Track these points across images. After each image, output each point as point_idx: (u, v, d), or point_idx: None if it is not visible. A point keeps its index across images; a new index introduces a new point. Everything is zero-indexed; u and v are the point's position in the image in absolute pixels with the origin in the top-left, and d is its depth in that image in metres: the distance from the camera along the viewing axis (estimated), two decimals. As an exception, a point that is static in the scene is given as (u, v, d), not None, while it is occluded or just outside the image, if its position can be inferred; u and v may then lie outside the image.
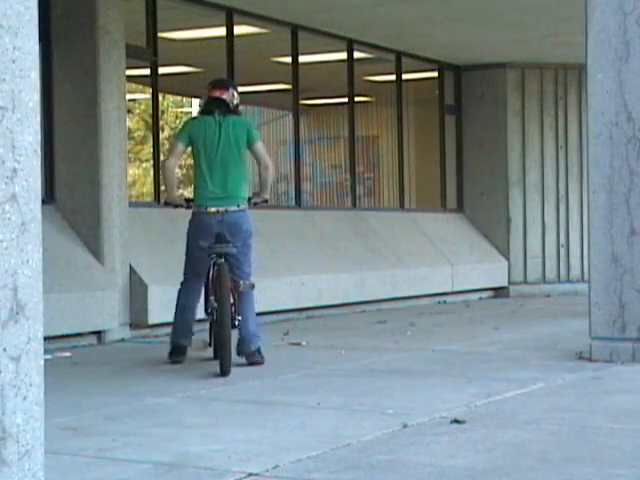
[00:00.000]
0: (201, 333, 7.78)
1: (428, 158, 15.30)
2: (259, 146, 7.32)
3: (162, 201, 7.72)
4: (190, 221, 7.33)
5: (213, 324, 7.28)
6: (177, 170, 7.76)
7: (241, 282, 7.21)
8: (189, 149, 7.43)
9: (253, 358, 7.29)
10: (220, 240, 7.12)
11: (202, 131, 7.23)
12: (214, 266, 7.12)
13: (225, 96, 7.32)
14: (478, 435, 4.83)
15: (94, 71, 9.25)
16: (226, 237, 7.11)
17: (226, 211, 7.16)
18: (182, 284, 7.52)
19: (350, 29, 12.65)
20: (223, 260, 7.03)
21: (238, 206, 7.21)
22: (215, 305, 7.04)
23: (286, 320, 10.87)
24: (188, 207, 7.37)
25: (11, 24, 2.76)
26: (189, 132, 7.31)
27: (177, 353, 7.48)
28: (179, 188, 8.87)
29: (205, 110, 7.40)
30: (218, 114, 7.24)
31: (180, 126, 7.86)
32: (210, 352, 7.41)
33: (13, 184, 2.76)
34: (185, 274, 7.50)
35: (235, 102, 7.38)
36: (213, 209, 7.16)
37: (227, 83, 7.64)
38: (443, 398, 5.86)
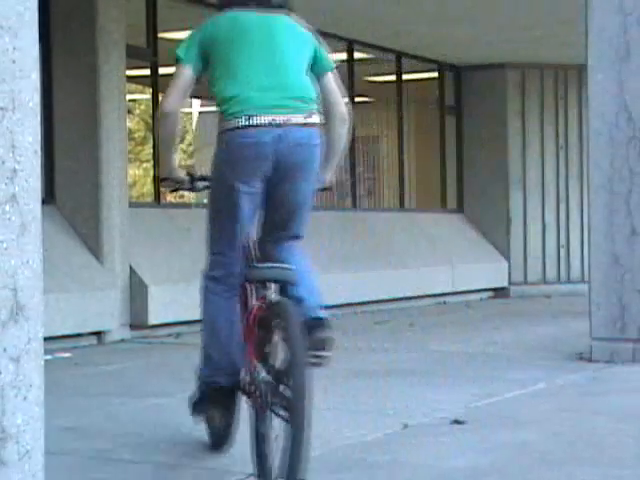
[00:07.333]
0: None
1: (428, 158, 15.29)
2: (331, 78, 4.38)
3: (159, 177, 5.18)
4: (218, 152, 4.18)
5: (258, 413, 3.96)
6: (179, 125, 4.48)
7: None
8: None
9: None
10: (280, 173, 4.08)
11: (230, 32, 4.28)
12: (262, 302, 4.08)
13: None
14: (478, 435, 4.82)
15: (94, 71, 9.24)
16: (291, 168, 4.11)
17: (286, 123, 4.07)
18: (208, 282, 4.25)
19: (350, 29, 12.64)
20: (286, 298, 4.01)
21: (307, 114, 4.12)
22: (263, 377, 3.86)
23: (286, 320, 10.85)
24: (191, 188, 4.41)
25: (11, 24, 2.76)
26: (204, 36, 4.34)
27: (216, 399, 4.29)
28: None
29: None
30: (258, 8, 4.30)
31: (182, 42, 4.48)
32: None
33: (13, 184, 2.76)
34: (216, 254, 4.24)
35: None
36: (263, 117, 4.05)
37: None
38: (443, 398, 5.85)
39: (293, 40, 4.21)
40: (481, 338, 9.13)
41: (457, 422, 5.09)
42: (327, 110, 4.32)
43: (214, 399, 4.24)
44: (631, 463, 4.21)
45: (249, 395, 3.96)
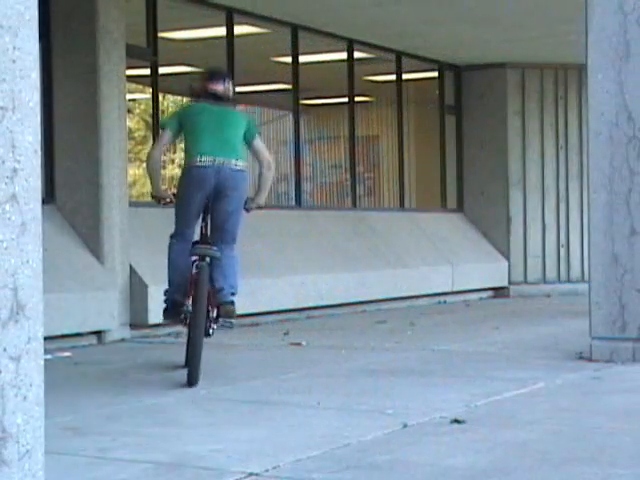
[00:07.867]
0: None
1: (428, 158, 15.30)
2: (258, 140, 7.09)
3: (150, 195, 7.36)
4: (181, 177, 6.94)
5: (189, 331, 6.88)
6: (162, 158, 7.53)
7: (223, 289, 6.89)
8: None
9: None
10: (218, 193, 6.73)
11: (196, 114, 6.97)
12: (195, 268, 6.82)
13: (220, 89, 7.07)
14: (478, 435, 4.82)
15: (94, 71, 9.25)
16: (224, 190, 6.74)
17: (223, 163, 6.74)
18: (172, 240, 7.03)
19: (350, 29, 12.65)
20: (206, 263, 6.71)
21: (237, 160, 6.80)
22: (190, 309, 6.72)
23: (286, 320, 10.87)
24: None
25: (11, 24, 2.76)
26: (180, 117, 7.06)
27: (174, 310, 6.98)
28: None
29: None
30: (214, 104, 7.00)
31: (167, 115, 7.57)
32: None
33: (13, 184, 2.76)
34: (178, 227, 7.01)
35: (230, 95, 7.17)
36: (209, 159, 6.71)
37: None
38: (443, 398, 5.85)
39: (233, 121, 6.96)
40: (481, 338, 9.14)
41: (457, 422, 5.09)
42: (258, 160, 7.11)
43: (175, 308, 6.93)
44: (631, 463, 4.21)
45: (182, 320, 6.91)
